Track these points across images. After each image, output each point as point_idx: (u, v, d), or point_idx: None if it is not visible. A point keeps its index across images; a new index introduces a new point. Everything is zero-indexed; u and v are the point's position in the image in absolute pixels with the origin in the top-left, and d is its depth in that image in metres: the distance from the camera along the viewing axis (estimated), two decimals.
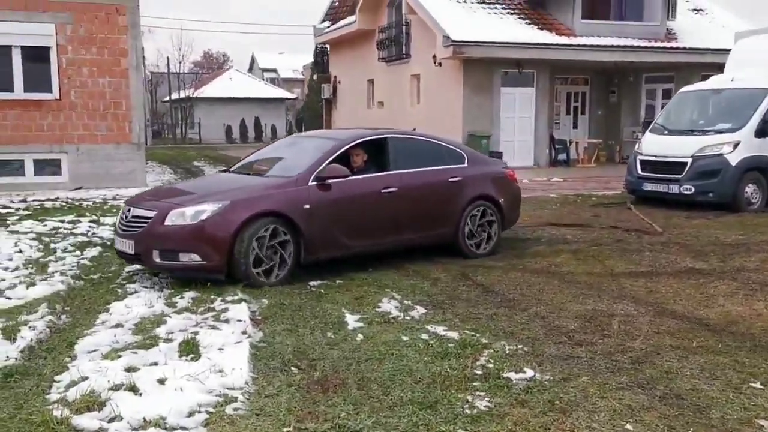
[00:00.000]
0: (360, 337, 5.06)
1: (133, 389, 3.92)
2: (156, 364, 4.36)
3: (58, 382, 4.08)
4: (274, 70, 71.24)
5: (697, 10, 23.16)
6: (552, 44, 18.89)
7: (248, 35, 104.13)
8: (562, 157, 20.85)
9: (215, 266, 6.33)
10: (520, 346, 4.87)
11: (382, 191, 7.33)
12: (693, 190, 11.07)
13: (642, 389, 4.09)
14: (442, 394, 3.99)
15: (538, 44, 18.71)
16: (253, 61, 74.02)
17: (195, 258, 6.29)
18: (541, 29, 19.54)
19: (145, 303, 5.79)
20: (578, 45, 19.09)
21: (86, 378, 4.05)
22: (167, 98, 52.40)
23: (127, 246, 6.54)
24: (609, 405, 3.85)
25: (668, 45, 20.05)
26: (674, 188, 11.28)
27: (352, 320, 5.48)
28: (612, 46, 19.40)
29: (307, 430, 3.52)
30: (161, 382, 4.05)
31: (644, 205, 11.79)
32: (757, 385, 4.20)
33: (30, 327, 5.04)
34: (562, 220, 10.50)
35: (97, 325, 5.26)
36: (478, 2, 20.34)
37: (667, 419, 3.67)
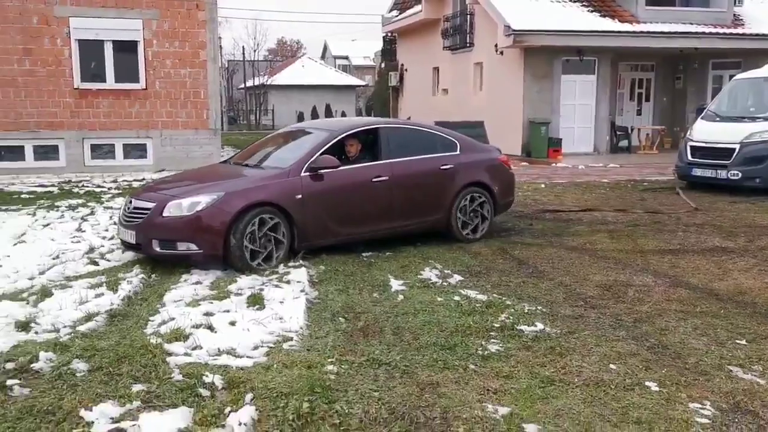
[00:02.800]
0: (400, 297, 5.86)
1: (210, 328, 4.87)
2: (228, 311, 5.30)
3: (152, 321, 5.08)
4: (346, 57, 72.53)
5: None
6: (613, 31, 19.03)
7: (321, 23, 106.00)
8: (623, 143, 21.00)
9: (212, 255, 6.57)
10: (539, 308, 5.58)
11: (374, 180, 7.54)
12: (740, 175, 11.38)
13: (635, 341, 4.77)
14: (461, 340, 4.76)
15: (598, 32, 18.89)
16: (325, 48, 75.50)
17: (192, 247, 6.55)
18: (604, 16, 19.71)
19: (220, 267, 6.76)
20: (640, 32, 19.18)
21: (173, 319, 5.03)
22: (242, 86, 54.27)
23: (129, 236, 6.83)
24: (601, 351, 4.54)
25: (734, 31, 19.88)
26: (722, 174, 11.60)
27: (395, 284, 6.29)
28: (676, 33, 19.38)
29: (347, 361, 4.35)
30: (232, 324, 4.98)
31: (693, 191, 12.13)
32: (742, 342, 4.80)
33: (127, 281, 6.10)
34: (608, 204, 11.01)
35: (180, 282, 6.25)
36: None
37: (647, 362, 4.35)
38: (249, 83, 52.18)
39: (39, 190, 12.75)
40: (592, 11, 19.97)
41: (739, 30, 20.04)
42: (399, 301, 5.75)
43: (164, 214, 6.61)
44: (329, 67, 59.28)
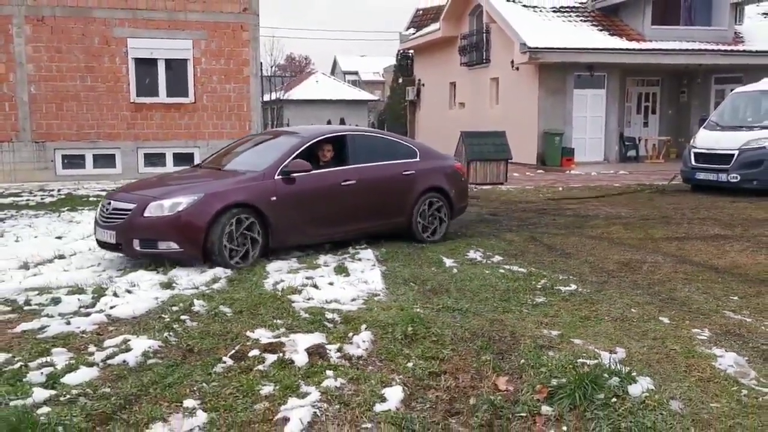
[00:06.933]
0: (455, 270, 7.17)
1: (315, 286, 6.20)
2: (323, 276, 6.64)
3: (266, 282, 6.40)
4: (356, 73, 74.15)
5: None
6: (622, 49, 20.43)
7: (329, 40, 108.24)
8: (631, 153, 22.35)
9: (191, 253, 6.89)
10: (570, 277, 6.88)
11: (342, 184, 7.97)
12: (739, 178, 12.71)
13: (649, 296, 6.07)
14: (513, 295, 6.07)
15: (608, 49, 20.30)
16: (335, 64, 77.18)
17: (173, 246, 6.84)
18: (613, 35, 21.12)
19: (300, 249, 8.08)
20: (647, 49, 20.56)
21: (283, 281, 6.37)
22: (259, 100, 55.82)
23: (108, 236, 7.04)
24: (624, 301, 5.85)
25: (735, 48, 21.26)
26: (723, 177, 12.93)
27: (448, 261, 7.60)
28: (680, 50, 20.75)
29: (427, 307, 5.66)
30: (330, 284, 6.32)
31: (697, 193, 13.44)
32: (735, 297, 6.08)
33: None
34: (620, 201, 12.32)
35: (273, 259, 7.58)
36: (553, 11, 22.15)
37: (660, 308, 5.66)
38: (266, 98, 53.66)
39: (102, 194, 14.10)
40: (601, 30, 21.38)
41: (740, 47, 21.41)
42: (455, 273, 7.05)
43: (145, 215, 6.89)
44: (342, 83, 60.85)
